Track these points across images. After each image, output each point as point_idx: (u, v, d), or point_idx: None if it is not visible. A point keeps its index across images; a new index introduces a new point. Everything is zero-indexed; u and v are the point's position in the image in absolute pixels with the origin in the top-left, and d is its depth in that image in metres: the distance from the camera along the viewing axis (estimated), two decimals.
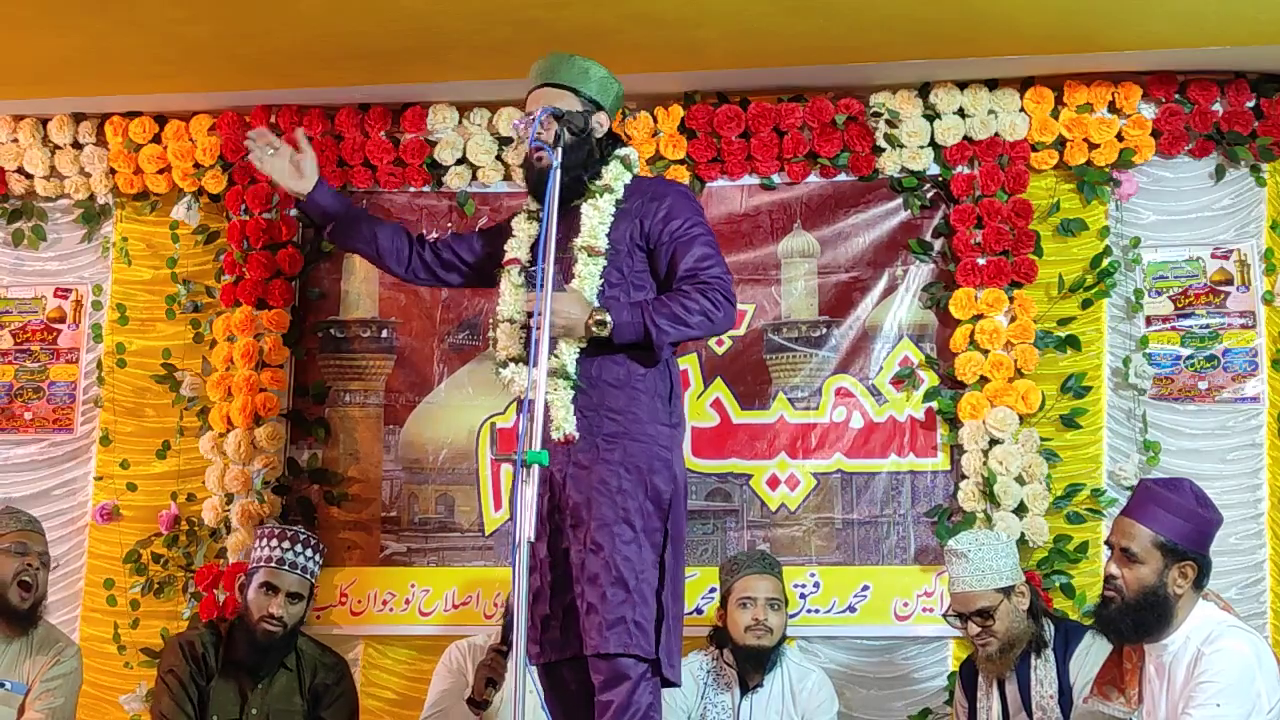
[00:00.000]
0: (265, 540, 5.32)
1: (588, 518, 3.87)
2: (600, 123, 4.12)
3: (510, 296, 4.20)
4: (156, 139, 6.52)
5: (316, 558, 5.37)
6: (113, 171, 6.55)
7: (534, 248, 4.11)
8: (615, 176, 4.18)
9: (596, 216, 4.10)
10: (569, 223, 4.05)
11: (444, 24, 5.51)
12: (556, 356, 3.89)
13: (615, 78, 4.31)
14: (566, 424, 3.88)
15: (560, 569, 3.99)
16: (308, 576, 5.31)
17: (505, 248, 4.28)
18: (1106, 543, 4.32)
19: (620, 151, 4.22)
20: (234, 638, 5.32)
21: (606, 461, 3.90)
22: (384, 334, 6.40)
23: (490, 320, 4.15)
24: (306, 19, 5.49)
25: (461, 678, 5.35)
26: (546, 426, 3.74)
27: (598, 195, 4.13)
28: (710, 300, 3.99)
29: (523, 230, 4.29)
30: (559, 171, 3.68)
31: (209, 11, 5.42)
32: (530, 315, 3.86)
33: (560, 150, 3.75)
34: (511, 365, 4.06)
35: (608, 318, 3.93)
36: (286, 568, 5.23)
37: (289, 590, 5.22)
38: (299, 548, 5.27)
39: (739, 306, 5.99)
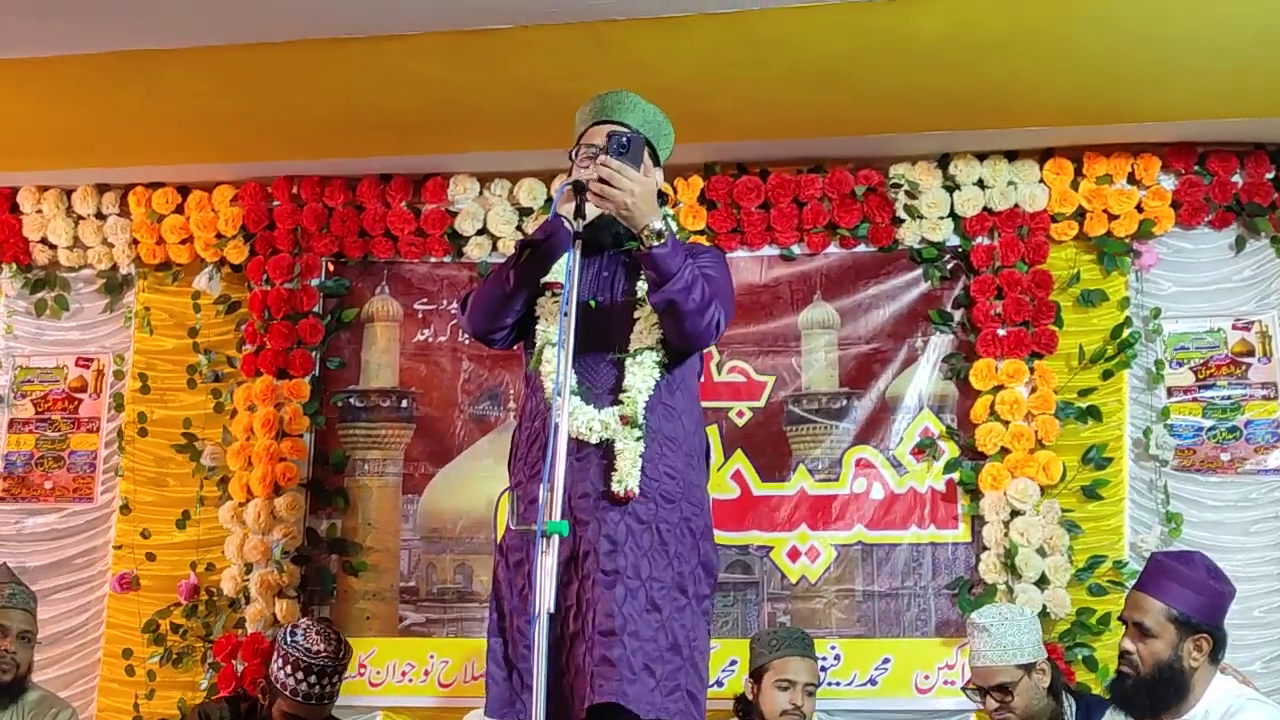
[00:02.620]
0: (290, 669, 5.18)
1: (645, 578, 3.70)
2: (658, 178, 3.93)
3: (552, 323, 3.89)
4: (179, 209, 6.67)
5: (339, 680, 5.29)
6: (135, 242, 6.70)
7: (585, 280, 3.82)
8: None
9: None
10: (620, 264, 3.89)
11: (465, 96, 5.63)
12: (627, 396, 3.73)
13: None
14: (630, 478, 3.69)
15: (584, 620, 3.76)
16: (331, 703, 5.29)
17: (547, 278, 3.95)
18: (1120, 618, 4.35)
19: (668, 210, 4.09)
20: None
21: (666, 521, 3.74)
22: (404, 404, 6.49)
23: (532, 353, 3.87)
24: (329, 91, 5.62)
25: None
26: (579, 486, 3.69)
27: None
28: (712, 308, 3.71)
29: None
30: (579, 243, 3.62)
31: (233, 84, 5.55)
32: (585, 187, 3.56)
33: (581, 221, 3.59)
34: (577, 404, 3.73)
35: (667, 232, 3.62)
36: (314, 702, 5.18)
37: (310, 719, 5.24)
38: (326, 681, 5.20)
39: (757, 377, 6.13)
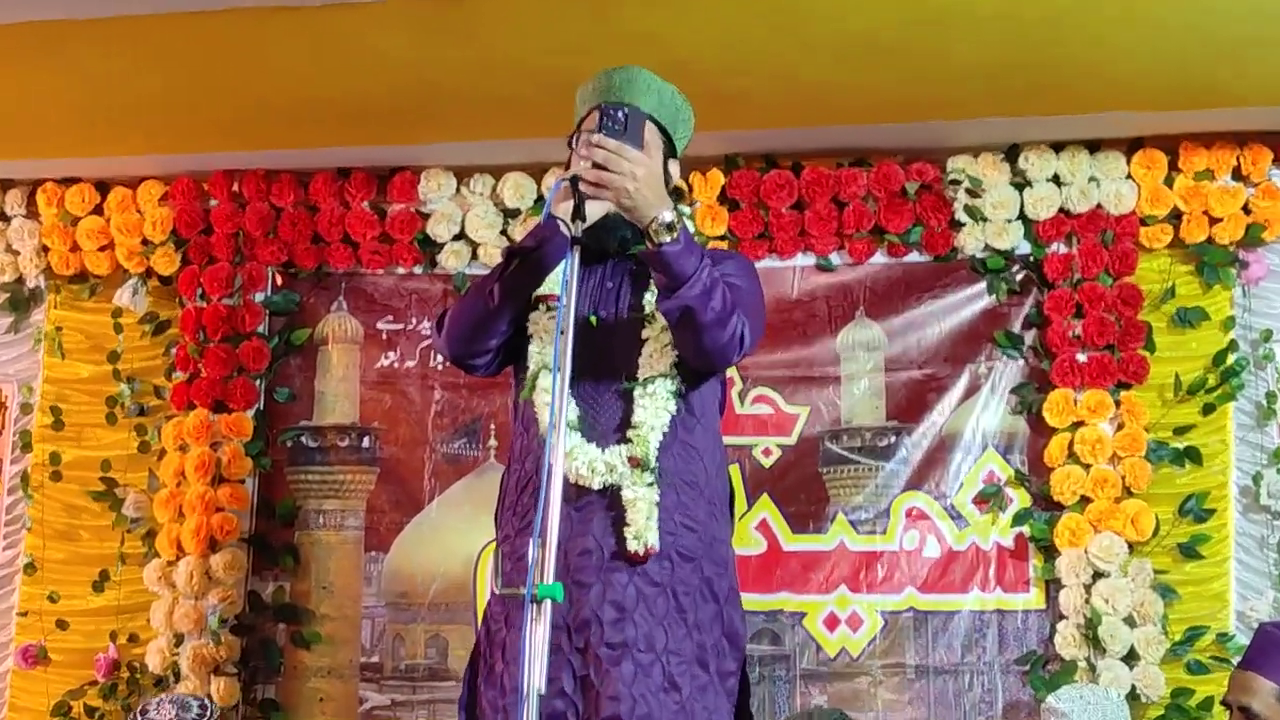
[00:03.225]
0: None
1: (660, 650, 3.59)
2: (674, 171, 3.86)
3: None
4: (97, 210, 6.64)
5: None
6: (45, 249, 6.67)
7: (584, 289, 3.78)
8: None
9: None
10: (626, 272, 3.84)
11: (439, 75, 5.58)
12: (637, 435, 3.63)
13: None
14: (649, 533, 3.58)
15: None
16: None
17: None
18: (1224, 702, 4.27)
19: (685, 209, 3.97)
20: None
21: (685, 584, 3.62)
22: (365, 443, 6.46)
23: (523, 379, 3.79)
24: (276, 70, 5.56)
25: None
26: (579, 541, 3.59)
27: None
28: (735, 318, 3.63)
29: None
30: (578, 249, 3.45)
31: (161, 62, 5.48)
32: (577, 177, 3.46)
33: (580, 224, 3.46)
34: (577, 442, 3.66)
35: (678, 226, 3.50)
36: None
37: None
38: None
39: (788, 409, 6.07)
